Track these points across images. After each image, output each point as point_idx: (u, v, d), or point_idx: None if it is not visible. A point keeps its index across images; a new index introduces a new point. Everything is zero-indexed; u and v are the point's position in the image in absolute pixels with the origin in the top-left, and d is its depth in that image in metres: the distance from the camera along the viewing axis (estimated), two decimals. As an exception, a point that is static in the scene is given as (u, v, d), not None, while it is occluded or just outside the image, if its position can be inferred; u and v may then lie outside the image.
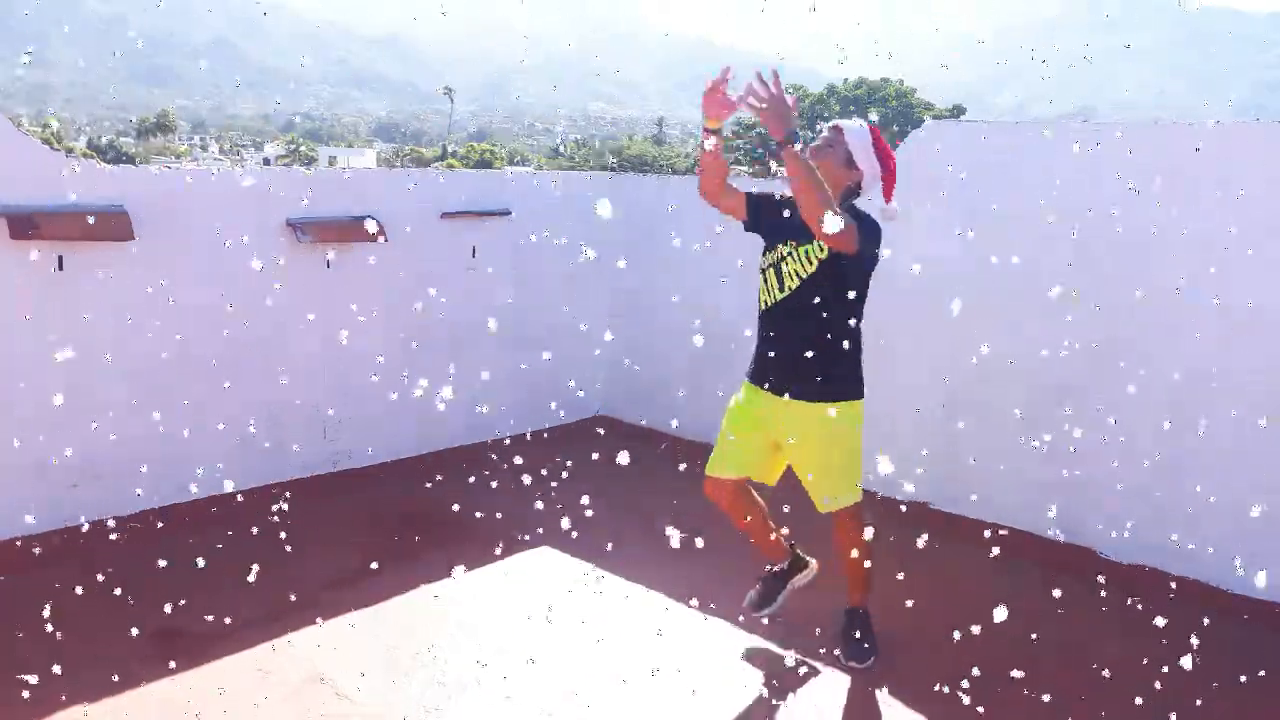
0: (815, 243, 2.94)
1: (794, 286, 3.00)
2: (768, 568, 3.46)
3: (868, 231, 2.88)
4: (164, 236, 4.03)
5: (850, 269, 2.93)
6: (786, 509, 3.56)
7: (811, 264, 2.97)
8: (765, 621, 3.44)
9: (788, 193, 2.91)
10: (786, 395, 3.06)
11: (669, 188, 5.69)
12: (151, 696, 2.90)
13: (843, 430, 3.08)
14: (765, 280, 3.10)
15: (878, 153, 3.03)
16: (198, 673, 3.03)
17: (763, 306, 3.12)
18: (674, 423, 5.45)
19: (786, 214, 3.02)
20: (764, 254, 3.14)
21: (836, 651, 3.24)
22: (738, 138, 45.70)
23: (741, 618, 3.46)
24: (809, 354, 2.98)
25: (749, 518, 3.31)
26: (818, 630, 3.38)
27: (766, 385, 3.12)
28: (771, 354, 3.07)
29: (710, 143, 2.97)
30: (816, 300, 2.96)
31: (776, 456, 3.23)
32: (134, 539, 3.89)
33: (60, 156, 3.84)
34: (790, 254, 3.02)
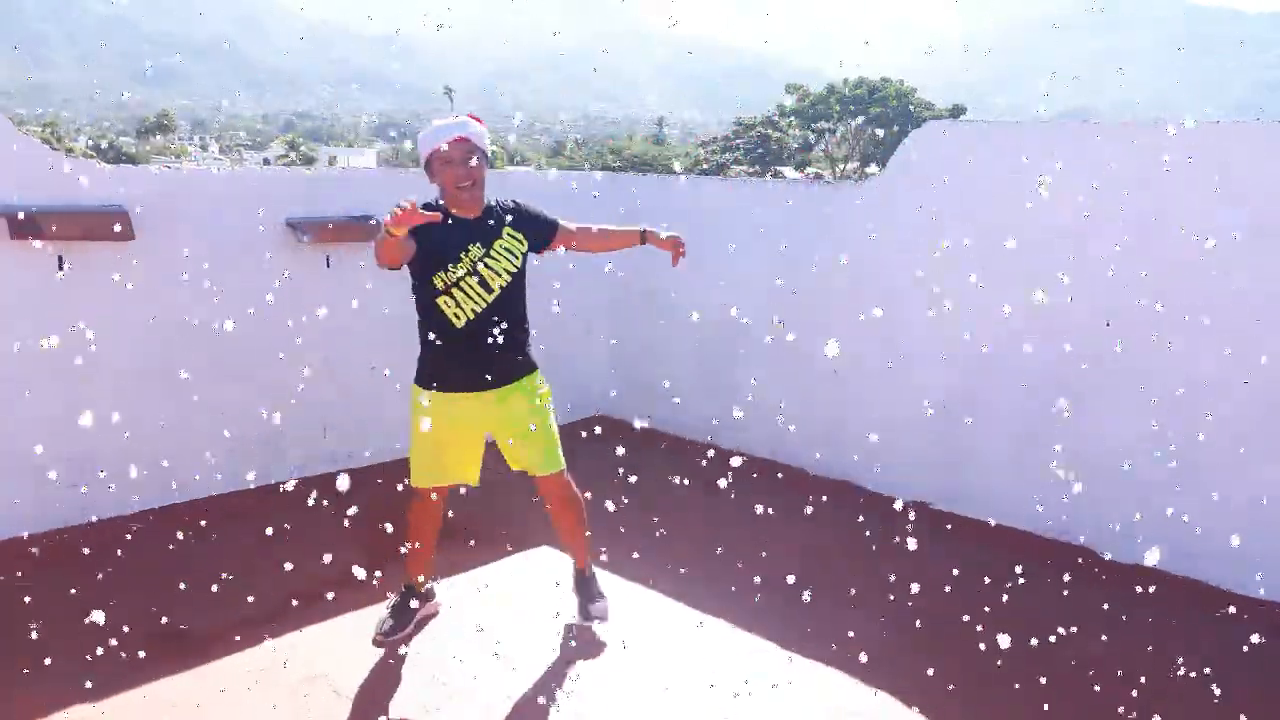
0: (506, 234, 3.07)
1: (504, 284, 3.06)
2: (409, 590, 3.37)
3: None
4: (164, 236, 4.03)
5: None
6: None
7: (517, 257, 3.09)
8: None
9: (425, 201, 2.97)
10: (504, 384, 3.13)
11: (669, 188, 5.69)
12: (151, 696, 2.90)
13: (545, 397, 3.24)
14: (464, 292, 3.00)
15: None
16: (198, 673, 3.03)
17: (468, 316, 3.02)
18: (674, 422, 5.46)
19: (449, 229, 2.96)
20: (445, 271, 2.99)
21: (577, 618, 3.37)
22: (737, 137, 45.67)
23: (739, 615, 3.46)
24: (518, 338, 3.15)
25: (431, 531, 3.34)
26: (819, 632, 3.38)
27: (474, 387, 3.09)
28: (490, 353, 3.06)
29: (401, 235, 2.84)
30: (518, 289, 3.13)
31: (478, 451, 3.26)
32: (134, 539, 3.89)
33: (60, 156, 3.84)
34: (488, 255, 3.02)
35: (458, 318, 3.03)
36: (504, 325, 3.05)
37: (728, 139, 46.38)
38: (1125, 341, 3.85)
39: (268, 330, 4.38)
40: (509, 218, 3.11)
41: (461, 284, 3.01)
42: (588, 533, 3.38)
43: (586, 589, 3.42)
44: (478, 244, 3.01)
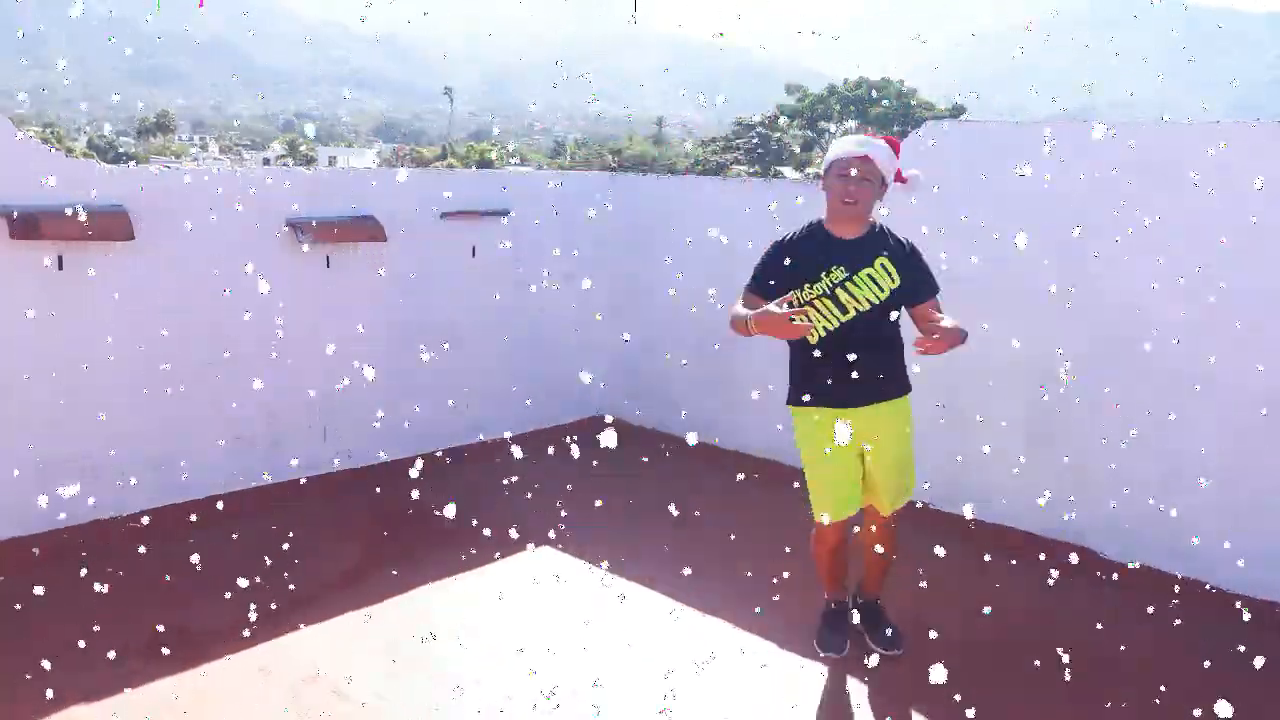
0: (879, 265, 3.05)
1: (861, 310, 3.04)
2: (836, 605, 3.43)
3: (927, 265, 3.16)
4: (164, 236, 4.03)
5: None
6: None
7: (883, 291, 3.05)
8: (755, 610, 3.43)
9: (802, 233, 3.15)
10: (869, 403, 3.10)
11: (669, 187, 5.69)
12: (151, 696, 2.90)
13: (909, 423, 3.26)
14: (817, 310, 3.06)
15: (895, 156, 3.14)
16: (198, 673, 3.03)
17: (820, 334, 3.06)
18: (674, 422, 5.46)
19: (814, 249, 3.09)
20: (803, 289, 3.08)
21: (871, 644, 3.32)
22: (737, 137, 45.71)
23: (742, 614, 3.46)
24: (881, 360, 3.09)
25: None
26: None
27: (833, 403, 3.09)
28: (849, 371, 3.03)
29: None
30: (887, 317, 3.06)
31: (856, 474, 3.23)
32: (133, 539, 3.89)
33: (60, 156, 3.84)
34: (849, 280, 3.04)
35: (812, 335, 3.05)
36: (862, 346, 3.01)
37: (728, 139, 46.43)
38: (1125, 341, 3.85)
39: (267, 330, 4.38)
40: (887, 252, 3.07)
41: (816, 303, 3.04)
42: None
43: (881, 621, 3.40)
44: (841, 267, 3.03)
